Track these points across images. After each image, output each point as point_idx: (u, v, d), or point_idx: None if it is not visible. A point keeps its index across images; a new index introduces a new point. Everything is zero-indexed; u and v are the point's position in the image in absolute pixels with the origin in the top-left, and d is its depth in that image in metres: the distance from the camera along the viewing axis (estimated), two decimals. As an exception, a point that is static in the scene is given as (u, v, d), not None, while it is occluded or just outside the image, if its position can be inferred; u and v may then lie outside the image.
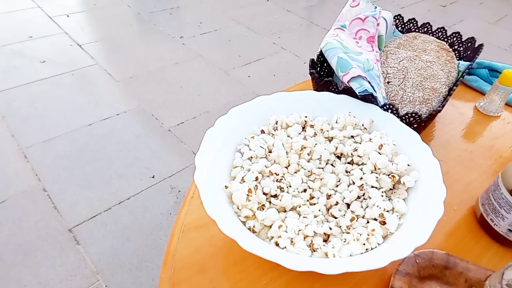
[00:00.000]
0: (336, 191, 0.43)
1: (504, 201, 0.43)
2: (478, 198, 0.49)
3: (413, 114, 0.47)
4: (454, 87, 0.57)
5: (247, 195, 0.37)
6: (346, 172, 0.45)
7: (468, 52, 0.67)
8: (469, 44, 0.68)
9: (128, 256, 1.10)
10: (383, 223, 0.38)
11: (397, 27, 0.73)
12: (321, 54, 0.54)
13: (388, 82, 0.62)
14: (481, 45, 0.65)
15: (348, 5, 0.60)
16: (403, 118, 0.48)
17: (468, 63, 0.62)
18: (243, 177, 0.40)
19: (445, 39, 0.71)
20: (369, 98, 0.47)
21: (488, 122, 0.70)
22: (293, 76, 1.97)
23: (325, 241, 0.39)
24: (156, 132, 1.57)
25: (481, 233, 0.48)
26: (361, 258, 0.33)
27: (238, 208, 0.38)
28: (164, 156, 1.45)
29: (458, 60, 0.69)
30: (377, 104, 0.48)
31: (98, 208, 1.23)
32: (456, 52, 0.70)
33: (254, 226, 0.37)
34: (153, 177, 1.35)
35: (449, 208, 0.51)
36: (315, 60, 0.55)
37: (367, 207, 0.41)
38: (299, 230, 0.37)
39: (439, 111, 0.48)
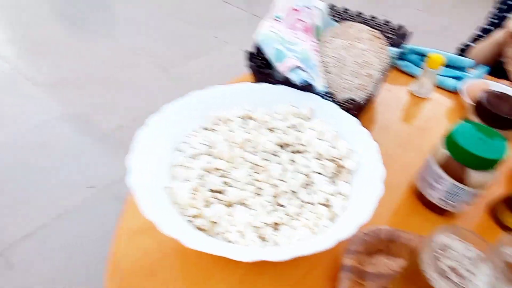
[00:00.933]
0: (282, 180, 0.45)
1: (436, 175, 0.50)
2: (415, 175, 0.56)
3: (350, 100, 0.51)
4: (386, 73, 0.63)
5: (192, 193, 0.37)
6: (291, 161, 0.48)
7: (398, 39, 0.75)
8: (399, 31, 0.76)
9: (72, 275, 1.04)
10: (329, 206, 0.42)
11: (332, 17, 0.78)
12: (258, 46, 0.57)
13: (327, 71, 0.67)
14: (408, 32, 0.73)
15: (282, -4, 0.64)
16: (342, 104, 0.52)
17: (398, 49, 0.69)
18: (186, 176, 0.40)
19: (378, 27, 0.78)
20: (307, 87, 0.50)
21: (420, 104, 0.78)
22: (239, 70, 1.98)
23: (276, 230, 0.41)
24: (93, 137, 1.51)
25: (420, 206, 0.55)
26: (309, 242, 0.36)
27: (183, 208, 0.39)
28: (103, 163, 1.40)
29: (389, 46, 0.76)
30: (316, 93, 0.51)
31: (34, 225, 1.16)
32: (388, 39, 0.76)
33: (203, 224, 0.38)
34: (93, 186, 1.30)
35: (391, 187, 0.57)
36: (252, 52, 0.57)
37: (314, 193, 0.45)
38: (248, 223, 0.38)
39: (374, 95, 0.53)
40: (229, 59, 2.09)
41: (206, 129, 0.47)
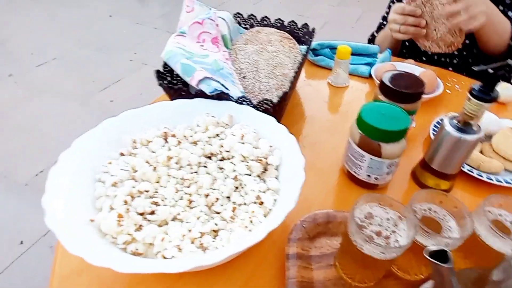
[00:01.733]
0: (213, 189, 0.49)
1: (357, 153, 0.57)
2: (343, 157, 0.63)
3: (265, 101, 0.58)
4: (300, 69, 0.71)
5: (118, 221, 0.40)
6: (220, 168, 0.52)
7: (306, 37, 0.84)
8: (305, 29, 0.85)
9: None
10: (261, 203, 0.47)
11: (240, 25, 0.85)
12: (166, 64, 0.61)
13: (244, 77, 0.73)
14: (313, 29, 0.82)
15: (184, 11, 0.69)
16: (258, 106, 0.58)
17: (306, 46, 0.78)
18: (110, 205, 0.42)
19: (285, 29, 0.87)
20: (222, 95, 0.56)
21: (340, 93, 0.88)
22: (161, 90, 2.00)
23: (217, 237, 0.45)
24: (10, 190, 1.44)
25: (351, 184, 0.63)
26: (242, 240, 0.40)
27: (113, 237, 0.41)
28: (28, 215, 1.33)
29: (300, 44, 0.85)
30: (232, 100, 0.57)
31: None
32: (296, 38, 0.85)
33: (137, 249, 0.41)
34: (22, 242, 1.25)
35: (322, 172, 0.65)
36: (159, 70, 0.61)
37: (246, 194, 0.49)
38: (183, 236, 0.42)
39: (287, 92, 0.60)
40: (149, 81, 2.09)
41: (125, 154, 0.50)
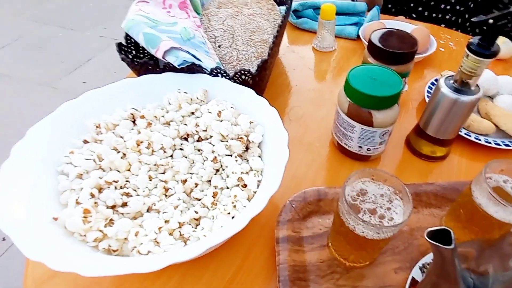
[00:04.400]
0: (192, 173, 0.46)
1: (346, 124, 0.55)
2: (332, 129, 0.61)
3: (243, 71, 0.54)
4: (280, 34, 0.66)
5: (84, 217, 0.37)
6: (198, 150, 0.49)
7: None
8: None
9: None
10: (244, 186, 0.44)
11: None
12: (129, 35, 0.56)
13: (219, 46, 0.69)
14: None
15: (147, -26, 0.63)
16: (236, 78, 0.54)
17: (286, 7, 0.73)
18: (76, 200, 0.39)
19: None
20: (194, 68, 0.52)
21: (326, 59, 0.85)
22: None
23: (198, 226, 0.43)
24: None
25: (343, 157, 0.61)
26: (225, 229, 0.38)
27: (82, 235, 0.38)
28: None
29: (279, 5, 0.80)
30: (204, 72, 0.53)
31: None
32: (275, -2, 0.80)
33: (110, 246, 0.38)
34: (4, 239, 1.24)
35: (311, 146, 0.62)
36: (121, 43, 0.56)
37: (227, 176, 0.47)
38: (160, 228, 0.39)
39: (267, 61, 0.56)
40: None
41: (89, 142, 0.46)
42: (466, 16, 0.96)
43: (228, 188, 0.46)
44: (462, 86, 0.51)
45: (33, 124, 0.44)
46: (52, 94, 1.79)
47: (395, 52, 0.57)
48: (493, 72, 0.69)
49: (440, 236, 0.28)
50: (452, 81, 0.52)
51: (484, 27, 0.45)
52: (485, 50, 0.47)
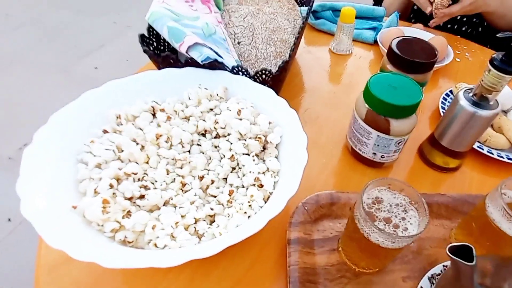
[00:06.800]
0: (208, 170, 0.46)
1: (363, 130, 0.55)
2: (347, 133, 0.60)
3: (264, 71, 0.54)
4: (300, 35, 0.66)
5: (103, 207, 0.37)
6: (215, 147, 0.49)
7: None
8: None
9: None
10: (261, 186, 0.44)
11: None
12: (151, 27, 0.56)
13: (238, 43, 0.68)
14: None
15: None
16: (256, 77, 0.54)
17: (307, 8, 0.73)
18: (95, 189, 0.39)
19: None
20: (215, 64, 0.51)
21: (343, 62, 0.84)
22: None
23: (212, 222, 0.43)
24: None
25: (356, 163, 0.60)
26: (241, 229, 0.38)
27: (100, 225, 0.38)
28: (14, 191, 1.30)
29: (300, 6, 0.79)
30: (226, 69, 0.52)
31: None
32: (296, -2, 0.80)
33: (126, 237, 0.38)
34: (9, 220, 1.23)
35: (325, 149, 0.62)
36: (144, 35, 0.56)
37: (244, 175, 0.46)
38: (176, 223, 0.39)
39: (287, 62, 0.56)
40: (136, 45, 2.00)
41: (109, 132, 0.46)
42: (480, 29, 0.96)
43: (243, 187, 0.46)
44: (481, 100, 0.50)
45: (45, 108, 0.44)
46: (63, 79, 1.79)
47: (416, 61, 0.57)
48: (509, 87, 0.68)
49: (461, 252, 0.28)
50: (471, 94, 0.51)
51: (509, 43, 0.44)
52: (508, 66, 0.46)
